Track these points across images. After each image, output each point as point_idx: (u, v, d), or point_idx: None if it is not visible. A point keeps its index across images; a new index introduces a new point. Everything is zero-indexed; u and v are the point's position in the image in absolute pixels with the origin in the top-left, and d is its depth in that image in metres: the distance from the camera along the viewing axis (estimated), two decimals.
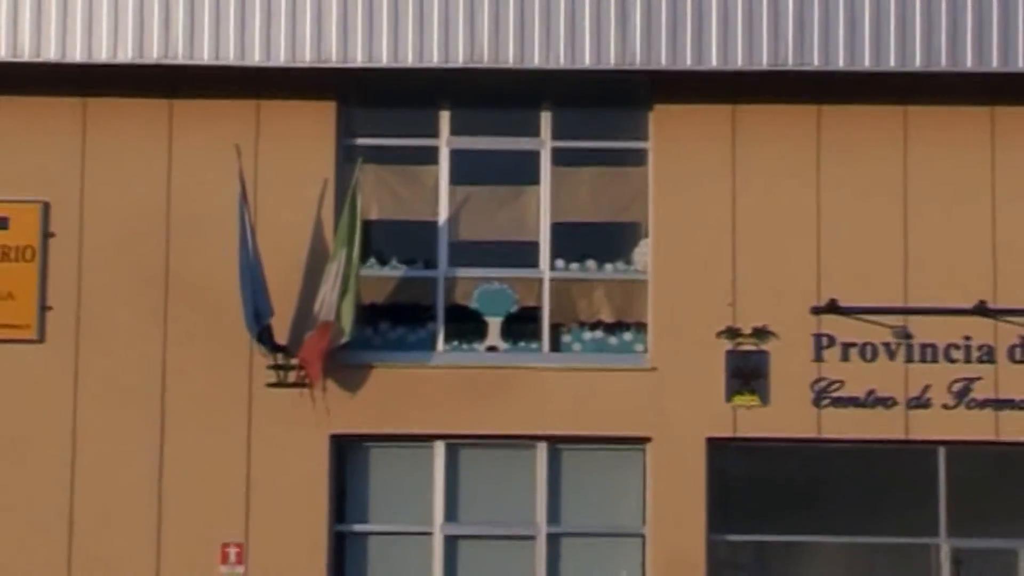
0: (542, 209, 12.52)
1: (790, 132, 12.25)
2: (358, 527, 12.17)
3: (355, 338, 11.97)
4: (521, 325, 12.54)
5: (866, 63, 11.73)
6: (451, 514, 12.19)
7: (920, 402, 11.93)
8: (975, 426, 11.96)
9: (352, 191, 11.95)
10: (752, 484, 12.33)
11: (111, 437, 11.91)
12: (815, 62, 11.70)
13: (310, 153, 12.28)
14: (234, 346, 11.82)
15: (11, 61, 11.77)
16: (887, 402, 11.94)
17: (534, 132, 12.56)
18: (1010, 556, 12.33)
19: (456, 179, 12.59)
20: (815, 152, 12.20)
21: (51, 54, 11.77)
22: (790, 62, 11.73)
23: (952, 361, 11.98)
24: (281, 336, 11.82)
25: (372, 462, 12.38)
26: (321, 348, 11.73)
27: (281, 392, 11.85)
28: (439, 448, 12.20)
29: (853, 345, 11.98)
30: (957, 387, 11.91)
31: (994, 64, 11.78)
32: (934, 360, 12.00)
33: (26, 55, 11.75)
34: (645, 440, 12.05)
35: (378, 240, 12.59)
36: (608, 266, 12.56)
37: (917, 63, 11.78)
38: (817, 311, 12.00)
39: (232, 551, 11.85)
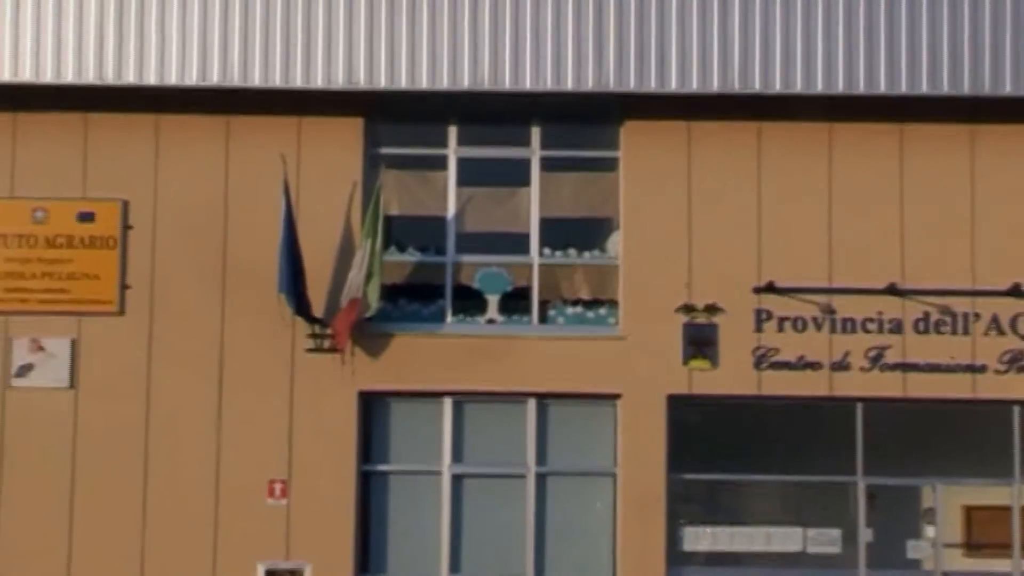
0: (532, 207, 13.81)
1: (735, 145, 13.52)
2: (381, 467, 13.45)
3: (378, 312, 13.21)
4: (515, 302, 13.80)
5: (798, 87, 13.05)
6: (457, 456, 13.49)
7: (841, 366, 13.29)
8: (886, 386, 13.34)
9: (376, 192, 13.25)
10: (704, 433, 13.65)
11: (178, 392, 13.21)
12: (756, 87, 13.09)
13: (341, 161, 13.49)
14: (279, 318, 13.05)
15: (97, 84, 13.04)
16: (814, 366, 13.31)
17: (526, 143, 13.85)
18: (913, 491, 13.85)
19: (462, 182, 13.86)
20: (756, 161, 13.51)
21: (130, 78, 13.02)
22: (736, 87, 13.07)
23: (868, 332, 13.34)
24: (318, 310, 13.14)
25: (392, 414, 13.63)
26: (350, 320, 13.01)
27: (318, 356, 13.13)
28: (447, 403, 13.51)
29: (787, 319, 13.34)
30: (872, 353, 13.30)
31: (903, 88, 13.07)
32: (853, 331, 13.34)
33: (110, 79, 13.02)
34: (616, 397, 13.40)
35: (397, 231, 13.81)
36: (586, 253, 13.89)
37: (840, 87, 13.08)
38: (757, 291, 13.34)
39: (277, 486, 13.19)
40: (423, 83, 13.11)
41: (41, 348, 13.22)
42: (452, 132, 13.85)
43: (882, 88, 13.08)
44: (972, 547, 13.98)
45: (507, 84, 13.14)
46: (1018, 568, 13.51)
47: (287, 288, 12.97)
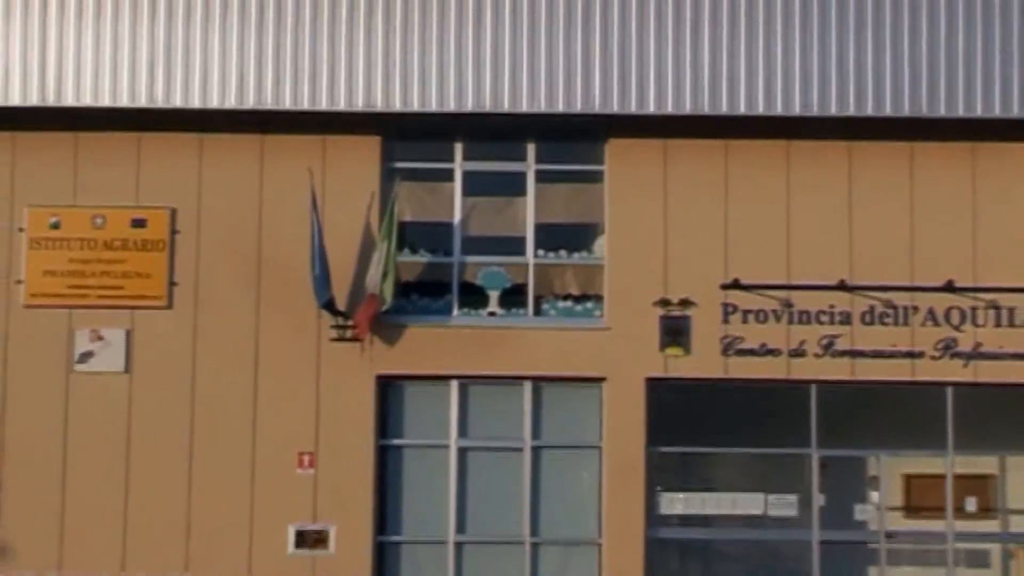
0: (528, 214, 14.48)
1: (705, 160, 14.10)
2: (396, 441, 14.10)
3: (393, 306, 13.76)
4: (513, 297, 14.45)
5: (760, 109, 13.66)
6: (462, 432, 14.13)
7: (798, 352, 13.99)
8: (837, 370, 13.98)
9: (391, 201, 13.84)
10: (678, 411, 14.21)
11: (219, 376, 13.85)
12: (723, 109, 13.66)
13: (361, 174, 14.08)
14: (307, 311, 13.71)
15: (148, 107, 13.73)
16: (774, 352, 13.99)
17: (522, 158, 14.48)
18: (860, 461, 14.61)
19: (466, 192, 14.46)
20: (723, 174, 14.11)
21: (177, 101, 13.68)
22: (706, 109, 13.65)
23: (820, 323, 14.02)
24: (341, 304, 13.78)
25: (406, 395, 14.25)
26: (369, 313, 13.62)
27: (341, 345, 13.75)
28: (454, 385, 14.15)
29: (750, 311, 14.00)
30: (824, 342, 13.98)
31: (852, 110, 13.70)
32: (808, 322, 14.04)
33: (159, 102, 13.68)
34: (601, 380, 14.07)
35: (410, 236, 14.38)
36: (575, 255, 14.54)
37: (796, 110, 13.68)
38: (725, 287, 13.98)
39: (306, 458, 13.83)
40: (432, 106, 13.73)
41: (100, 338, 13.92)
42: (458, 149, 14.49)
43: (833, 110, 13.72)
44: (911, 510, 14.81)
45: (506, 106, 13.76)
46: (951, 528, 14.29)
47: (318, 286, 13.63)
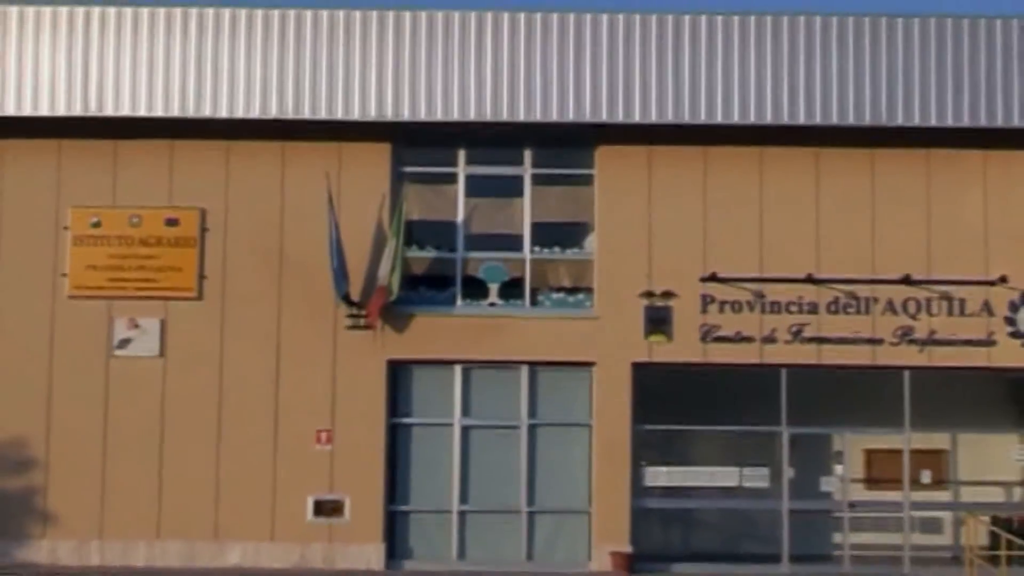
0: (525, 213, 15.12)
1: (685, 165, 14.84)
2: (405, 420, 14.80)
3: (402, 297, 14.47)
4: (511, 289, 15.08)
5: (735, 119, 14.37)
6: (465, 411, 14.85)
7: (769, 339, 14.73)
8: (804, 355, 14.76)
9: (400, 202, 14.60)
10: (661, 393, 14.84)
11: (245, 361, 14.61)
12: (702, 118, 14.43)
13: (373, 177, 14.77)
14: (324, 302, 14.47)
15: (180, 117, 14.39)
16: (748, 339, 14.72)
17: (519, 163, 15.14)
18: (825, 438, 15.43)
19: (469, 193, 15.16)
20: (702, 177, 14.87)
21: (206, 112, 14.38)
22: (686, 118, 14.42)
23: (790, 313, 14.79)
24: (355, 295, 14.49)
25: (414, 378, 14.92)
26: (379, 304, 14.34)
27: (355, 332, 14.50)
28: (457, 369, 14.87)
29: (726, 302, 14.75)
30: (793, 329, 14.74)
31: (818, 119, 14.34)
32: (778, 312, 14.79)
33: (190, 113, 14.39)
34: (591, 364, 14.77)
35: (417, 233, 15.06)
36: (568, 251, 15.22)
37: (768, 119, 14.39)
38: (703, 280, 14.73)
39: (323, 435, 14.55)
40: (438, 115, 14.53)
41: (137, 325, 14.69)
42: (461, 154, 15.21)
43: (801, 120, 14.54)
44: (871, 482, 15.60)
45: (505, 116, 14.54)
46: (907, 498, 15.09)
47: (336, 279, 14.28)
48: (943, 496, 15.79)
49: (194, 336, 14.85)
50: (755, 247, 15.02)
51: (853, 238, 14.99)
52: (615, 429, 14.82)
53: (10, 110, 14.64)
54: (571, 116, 14.61)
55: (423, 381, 15.13)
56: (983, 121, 14.71)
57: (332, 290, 14.52)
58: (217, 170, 15.03)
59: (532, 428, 15.05)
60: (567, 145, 15.24)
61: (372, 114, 14.57)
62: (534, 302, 15.21)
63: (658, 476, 15.34)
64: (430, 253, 15.35)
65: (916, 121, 14.66)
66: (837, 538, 15.40)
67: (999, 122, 14.72)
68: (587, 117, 14.61)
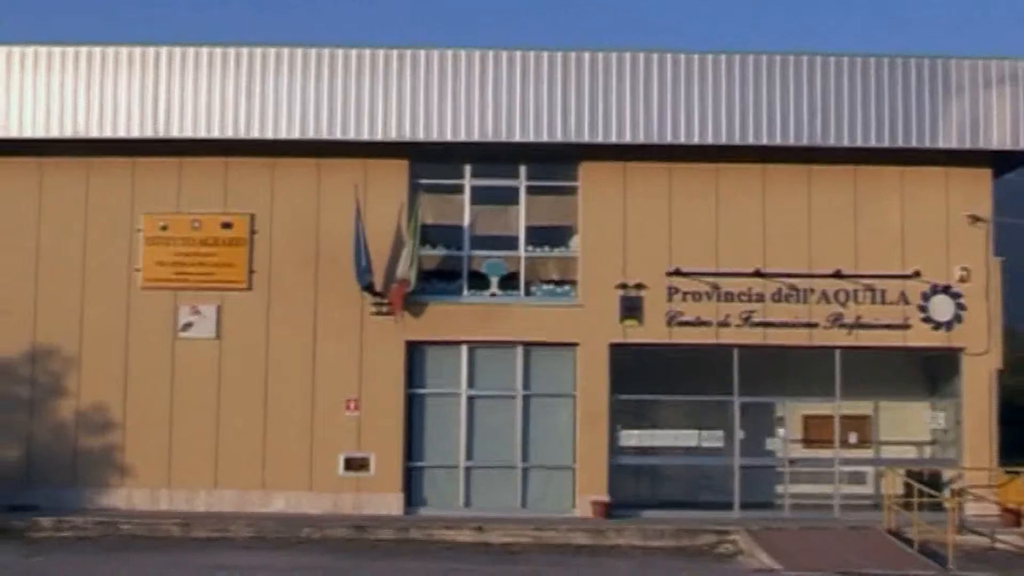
0: (520, 218, 16.69)
1: (654, 179, 16.42)
2: (420, 391, 16.42)
3: (417, 288, 16.01)
4: (509, 281, 16.66)
5: (696, 139, 15.89)
6: (471, 383, 16.45)
7: (724, 323, 16.30)
8: (753, 337, 16.32)
9: (416, 208, 16.15)
10: (634, 369, 16.26)
11: (288, 344, 16.25)
12: (668, 139, 15.97)
13: (393, 188, 16.38)
14: (353, 292, 16.07)
15: (232, 138, 15.91)
16: (707, 324, 16.28)
17: (516, 176, 16.72)
18: (770, 406, 16.96)
19: (474, 202, 16.72)
20: (668, 189, 16.49)
21: (255, 133, 15.96)
22: (655, 138, 15.92)
23: (741, 301, 16.36)
24: (378, 287, 16.09)
25: (428, 355, 16.51)
26: (400, 294, 15.92)
27: (379, 318, 16.19)
28: (464, 349, 16.48)
29: (688, 292, 16.34)
30: (744, 315, 16.30)
31: (764, 139, 15.78)
32: (731, 301, 16.36)
33: (241, 134, 15.93)
34: (576, 344, 16.33)
35: (430, 234, 16.62)
36: (556, 250, 16.76)
37: (723, 139, 15.90)
38: (669, 274, 16.31)
39: (352, 403, 16.19)
40: (448, 136, 16.13)
41: (197, 312, 16.33)
42: (467, 169, 16.78)
43: (751, 140, 16.13)
44: (808, 442, 17.10)
45: (504, 136, 16.14)
46: (838, 455, 16.56)
47: (359, 273, 15.86)
48: (867, 453, 17.16)
49: (245, 321, 16.51)
50: (712, 246, 16.63)
51: (793, 239, 16.58)
52: (595, 399, 16.43)
53: (93, 132, 16.28)
54: (559, 137, 16.23)
55: (435, 358, 16.69)
56: (900, 142, 16.31)
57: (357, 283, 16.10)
58: (264, 182, 16.68)
59: (526, 398, 16.61)
60: (555, 161, 16.79)
61: (393, 135, 16.19)
62: (528, 292, 16.80)
63: (631, 438, 16.83)
64: (441, 251, 16.94)
65: (845, 142, 16.27)
66: (780, 489, 16.79)
67: (914, 143, 16.34)
68: (572, 138, 16.24)
